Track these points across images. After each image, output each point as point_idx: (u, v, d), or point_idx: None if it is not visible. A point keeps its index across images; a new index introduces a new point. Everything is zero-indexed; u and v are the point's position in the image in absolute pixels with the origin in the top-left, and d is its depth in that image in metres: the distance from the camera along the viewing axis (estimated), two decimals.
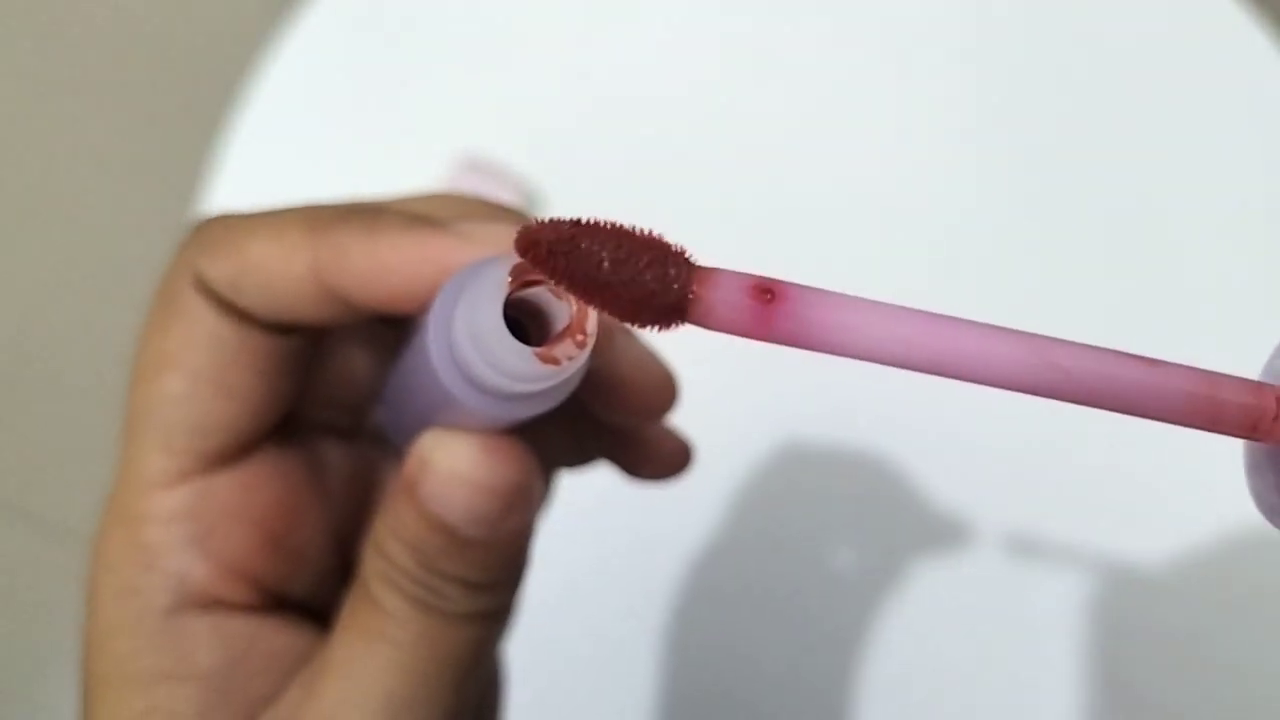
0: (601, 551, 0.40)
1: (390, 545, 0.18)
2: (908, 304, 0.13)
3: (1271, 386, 0.12)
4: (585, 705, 0.40)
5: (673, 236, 0.11)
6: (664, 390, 0.21)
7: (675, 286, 0.10)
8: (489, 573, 0.18)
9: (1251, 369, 0.44)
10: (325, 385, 0.21)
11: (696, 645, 0.40)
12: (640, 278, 0.10)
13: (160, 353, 0.19)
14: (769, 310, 0.11)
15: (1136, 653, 0.39)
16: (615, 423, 0.21)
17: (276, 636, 0.20)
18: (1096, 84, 0.47)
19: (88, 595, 0.19)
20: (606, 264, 0.10)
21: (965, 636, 0.40)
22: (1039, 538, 0.41)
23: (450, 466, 0.17)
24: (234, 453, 0.19)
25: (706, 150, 0.45)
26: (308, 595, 0.21)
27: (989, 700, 0.40)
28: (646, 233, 0.11)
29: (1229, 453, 0.44)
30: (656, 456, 0.23)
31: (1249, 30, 0.46)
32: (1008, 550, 0.41)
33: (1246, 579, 0.41)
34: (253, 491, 0.20)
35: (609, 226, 0.11)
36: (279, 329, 0.19)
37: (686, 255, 0.11)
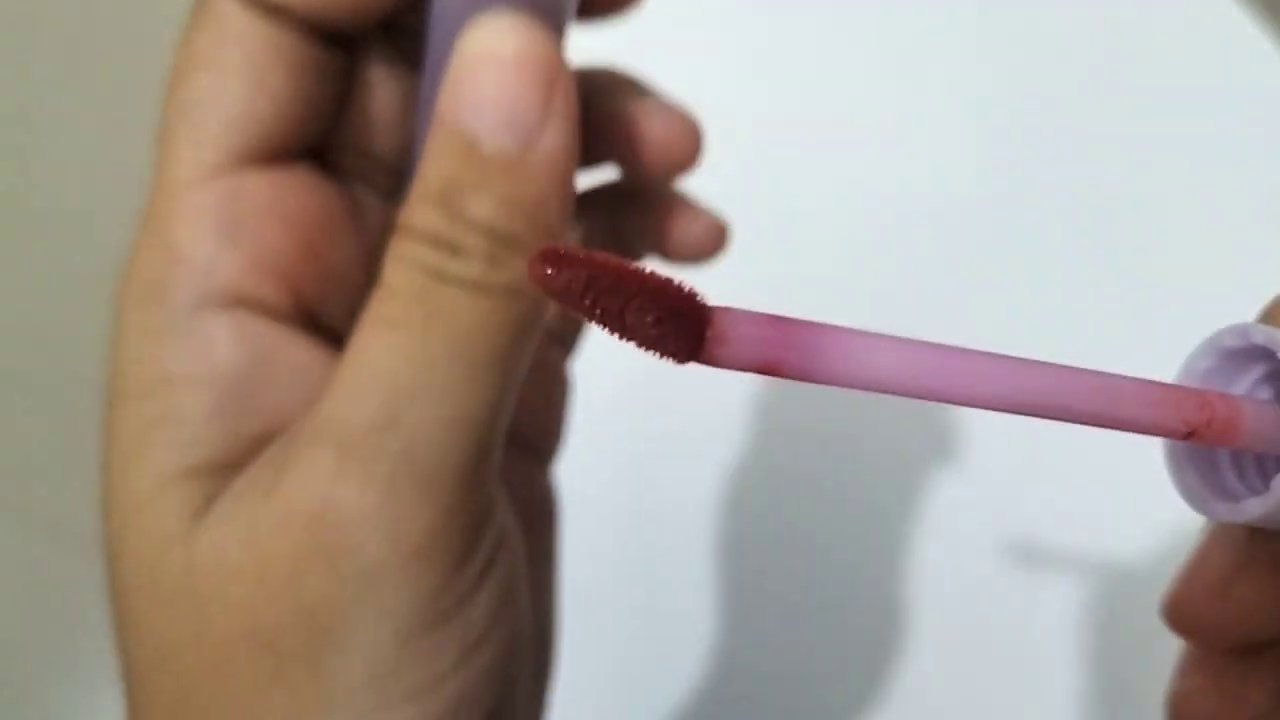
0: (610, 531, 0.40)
1: (410, 208, 0.16)
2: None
3: (1211, 395, 0.14)
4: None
5: None
6: (686, 137, 0.20)
7: (694, 329, 0.11)
8: (516, 215, 0.16)
9: None
10: (362, 133, 0.20)
11: (696, 642, 0.40)
12: (659, 324, 0.11)
13: (190, 55, 0.18)
14: (780, 351, 0.11)
15: (1137, 653, 0.39)
16: (642, 182, 0.21)
17: (302, 352, 0.18)
18: (1096, 84, 0.47)
19: (115, 315, 0.18)
20: (629, 312, 0.11)
21: (965, 636, 0.40)
22: (1040, 538, 0.41)
23: (480, 45, 0.16)
24: (266, 154, 0.18)
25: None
26: (339, 326, 0.19)
27: (989, 700, 0.40)
28: (656, 275, 0.11)
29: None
30: (689, 232, 0.22)
31: (1248, 30, 0.46)
32: (1009, 550, 0.41)
33: None
34: (287, 194, 0.18)
35: (625, 270, 0.11)
36: (310, 32, 0.18)
37: (699, 297, 0.11)
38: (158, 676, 0.17)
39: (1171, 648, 0.44)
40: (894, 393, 0.12)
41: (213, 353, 0.17)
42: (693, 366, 0.11)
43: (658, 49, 0.51)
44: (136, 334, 0.18)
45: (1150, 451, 0.43)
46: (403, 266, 0.16)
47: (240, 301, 0.18)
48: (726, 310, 0.11)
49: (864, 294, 0.44)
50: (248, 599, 0.16)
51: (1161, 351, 0.43)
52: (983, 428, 0.42)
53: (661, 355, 0.11)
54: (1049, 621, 0.40)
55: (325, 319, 0.19)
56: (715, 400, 0.42)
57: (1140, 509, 0.42)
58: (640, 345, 0.11)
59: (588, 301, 0.11)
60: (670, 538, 0.41)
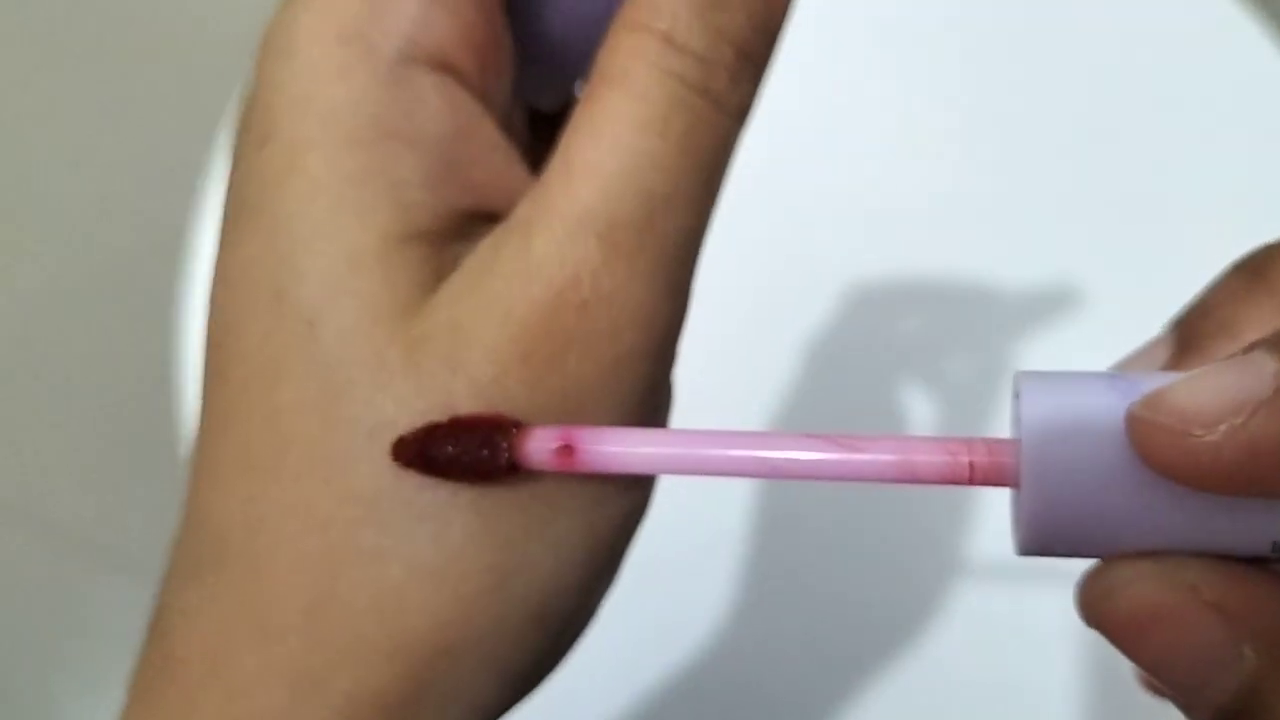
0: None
1: (658, 12, 0.16)
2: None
3: (959, 443, 0.15)
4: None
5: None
6: None
7: (503, 453, 0.15)
8: (759, 33, 0.16)
9: None
10: None
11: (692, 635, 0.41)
12: (478, 453, 0.15)
13: None
14: (570, 459, 0.15)
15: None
16: None
17: (495, 133, 0.17)
18: (1095, 84, 0.47)
19: (275, 49, 0.16)
20: (450, 450, 0.15)
21: (965, 636, 0.41)
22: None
23: None
24: None
25: None
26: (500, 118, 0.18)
27: (989, 699, 0.40)
28: (475, 416, 0.15)
29: None
30: None
31: (1249, 30, 0.46)
32: (1008, 551, 0.41)
33: None
34: None
35: (448, 423, 0.15)
36: None
37: (506, 426, 0.15)
38: (369, 448, 0.15)
39: None
40: (669, 472, 0.15)
41: (425, 112, 0.16)
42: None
43: None
44: (329, 72, 0.16)
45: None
46: (655, 71, 0.16)
47: (446, 66, 0.17)
48: (529, 430, 0.15)
49: (864, 294, 0.44)
50: (499, 378, 0.15)
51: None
52: (983, 426, 0.42)
53: (488, 479, 0.15)
54: (1050, 621, 0.40)
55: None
56: (716, 399, 0.42)
57: None
58: (472, 475, 0.15)
59: (432, 448, 0.15)
60: (670, 538, 0.41)
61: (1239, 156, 0.45)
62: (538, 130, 0.21)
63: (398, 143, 0.16)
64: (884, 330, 0.43)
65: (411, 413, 0.15)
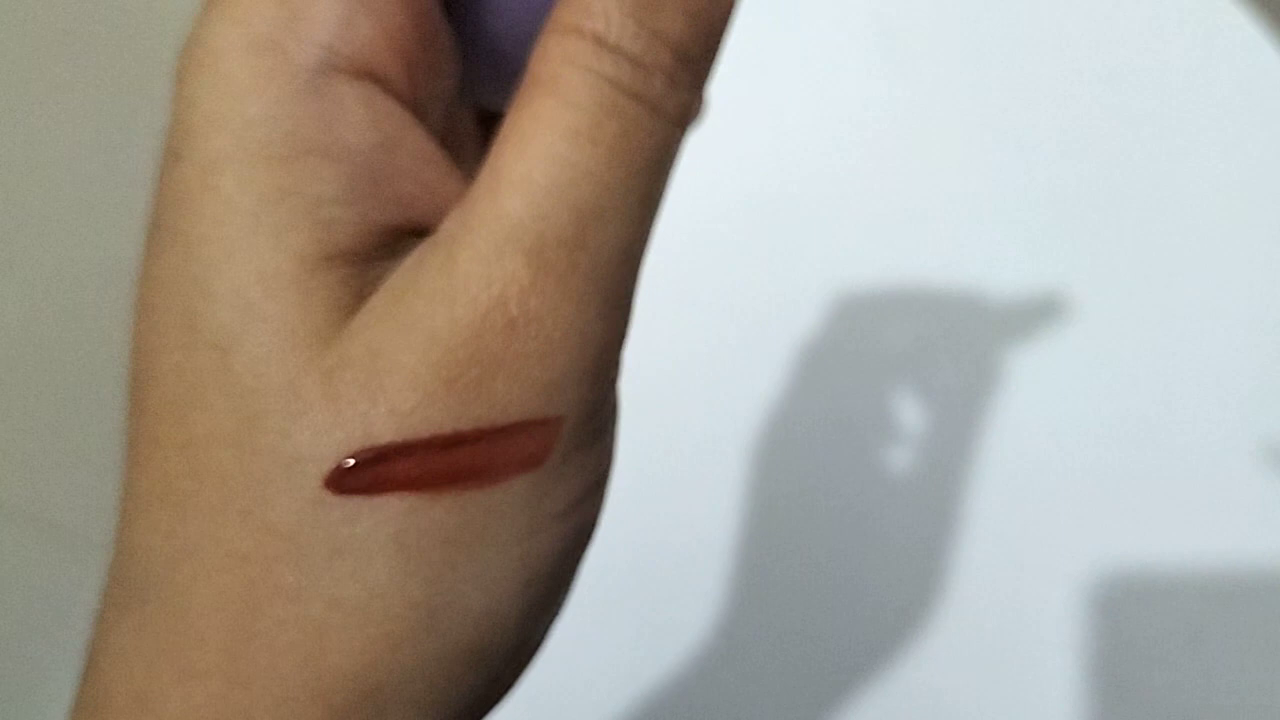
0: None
1: (591, 12, 0.15)
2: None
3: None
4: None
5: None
6: None
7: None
8: (701, 34, 0.16)
9: (1250, 368, 0.44)
10: None
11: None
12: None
13: None
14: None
15: (1137, 653, 0.39)
16: None
17: (423, 143, 0.16)
18: (1095, 84, 0.47)
19: (190, 64, 0.16)
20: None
21: (966, 636, 0.40)
22: (1041, 537, 0.41)
23: None
24: None
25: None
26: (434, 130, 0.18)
27: (990, 700, 0.40)
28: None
29: (1230, 454, 0.45)
30: None
31: (1248, 30, 0.46)
32: (1009, 550, 0.41)
33: (1247, 579, 0.41)
34: None
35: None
36: None
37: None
38: (286, 481, 0.15)
39: (1172, 648, 0.44)
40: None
41: (346, 123, 0.15)
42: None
43: None
44: (247, 93, 0.15)
45: (1150, 453, 0.42)
46: (586, 75, 0.15)
47: (369, 74, 0.16)
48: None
49: (853, 298, 0.44)
50: (421, 406, 0.15)
51: (1160, 350, 0.43)
52: (984, 428, 0.42)
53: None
54: (1048, 620, 0.40)
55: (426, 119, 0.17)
56: (715, 399, 0.42)
57: (1140, 508, 0.42)
58: None
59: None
60: (669, 536, 0.41)
61: (1238, 157, 0.45)
62: (493, 133, 0.20)
63: (316, 157, 0.15)
64: (873, 335, 0.43)
65: (329, 443, 0.14)
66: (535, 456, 0.15)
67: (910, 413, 0.42)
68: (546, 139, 0.15)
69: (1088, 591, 0.40)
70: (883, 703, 0.40)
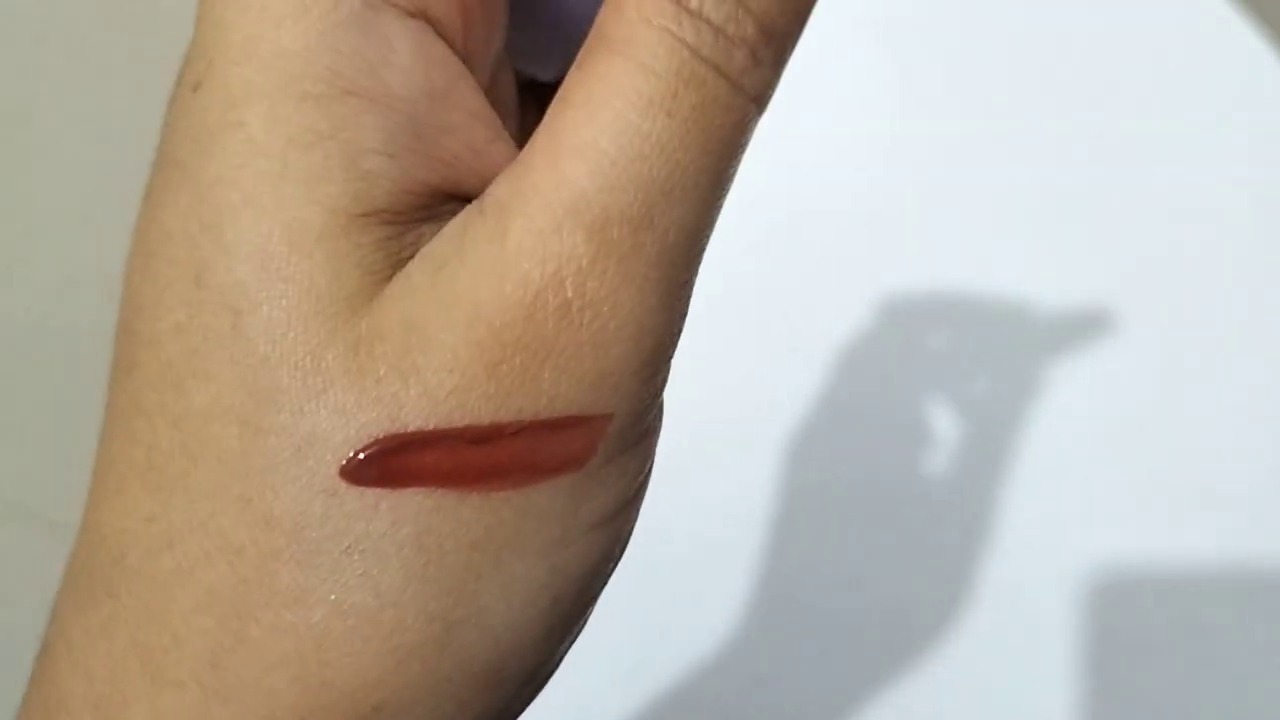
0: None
1: None
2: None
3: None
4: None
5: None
6: None
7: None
8: (789, 9, 0.14)
9: (1249, 368, 0.44)
10: None
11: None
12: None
13: None
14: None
15: (1136, 652, 0.39)
16: None
17: (476, 96, 0.15)
18: (1093, 86, 0.47)
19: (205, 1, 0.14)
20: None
21: (966, 637, 0.41)
22: (1040, 537, 0.41)
23: None
24: None
25: None
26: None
27: (990, 701, 0.40)
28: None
29: (1230, 454, 0.45)
30: None
31: (1243, 32, 0.46)
32: (1008, 549, 0.41)
33: (1247, 579, 0.41)
34: None
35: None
36: None
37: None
38: (296, 466, 0.13)
39: (1172, 647, 0.44)
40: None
41: (394, 65, 0.13)
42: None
43: None
44: (281, 11, 0.13)
45: (1150, 454, 0.42)
46: (664, 38, 0.13)
47: (423, 14, 0.14)
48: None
49: (885, 304, 0.44)
50: (458, 391, 0.13)
51: (1161, 350, 0.43)
52: (984, 426, 0.42)
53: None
54: (1048, 620, 0.40)
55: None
56: (714, 399, 0.42)
57: (1140, 508, 0.42)
58: None
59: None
60: (698, 529, 0.42)
61: (1237, 157, 0.45)
62: (528, 104, 0.18)
63: (357, 100, 0.13)
64: (905, 341, 0.43)
65: (350, 426, 0.13)
66: (577, 457, 0.13)
67: (944, 419, 0.42)
68: (617, 105, 0.13)
69: (1112, 594, 0.40)
70: (884, 703, 0.40)
